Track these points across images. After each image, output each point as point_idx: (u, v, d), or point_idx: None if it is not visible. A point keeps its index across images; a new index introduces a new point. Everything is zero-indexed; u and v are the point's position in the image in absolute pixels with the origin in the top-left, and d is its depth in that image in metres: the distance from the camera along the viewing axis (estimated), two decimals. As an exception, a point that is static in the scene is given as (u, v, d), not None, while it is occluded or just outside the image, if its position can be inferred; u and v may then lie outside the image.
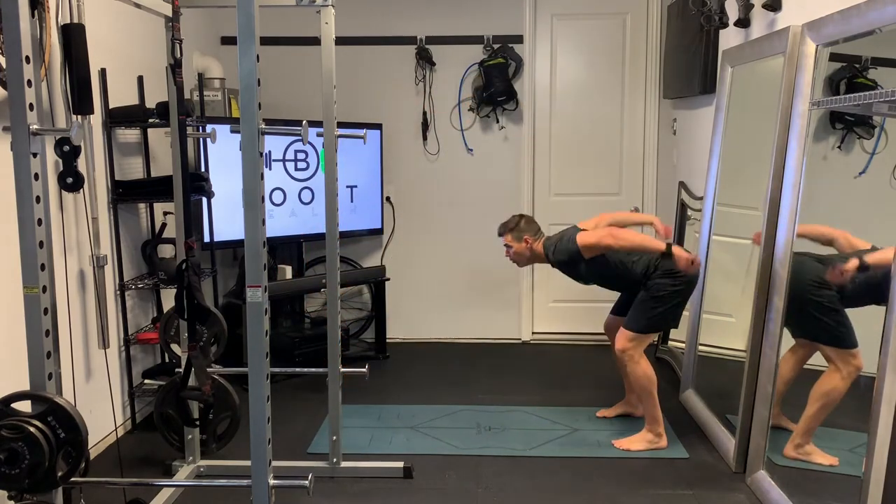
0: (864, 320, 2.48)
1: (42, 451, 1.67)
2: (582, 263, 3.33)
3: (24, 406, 1.72)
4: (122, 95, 3.47)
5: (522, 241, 3.45)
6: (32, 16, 1.65)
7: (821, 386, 2.68)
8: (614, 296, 5.10)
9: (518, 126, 4.94)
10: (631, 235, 3.25)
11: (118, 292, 3.43)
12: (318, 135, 2.89)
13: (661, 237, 3.44)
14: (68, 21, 2.91)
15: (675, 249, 3.16)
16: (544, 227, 5.02)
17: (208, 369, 2.45)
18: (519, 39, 4.85)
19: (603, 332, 5.11)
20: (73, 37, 2.88)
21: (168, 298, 3.70)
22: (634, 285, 3.32)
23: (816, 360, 2.86)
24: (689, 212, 4.28)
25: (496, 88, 4.76)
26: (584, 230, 3.35)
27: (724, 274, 3.64)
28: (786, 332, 2.84)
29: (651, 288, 3.26)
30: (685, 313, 3.85)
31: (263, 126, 1.85)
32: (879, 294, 2.17)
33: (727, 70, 3.60)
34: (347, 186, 4.63)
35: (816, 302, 2.77)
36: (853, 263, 2.52)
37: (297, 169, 4.44)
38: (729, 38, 3.67)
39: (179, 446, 2.86)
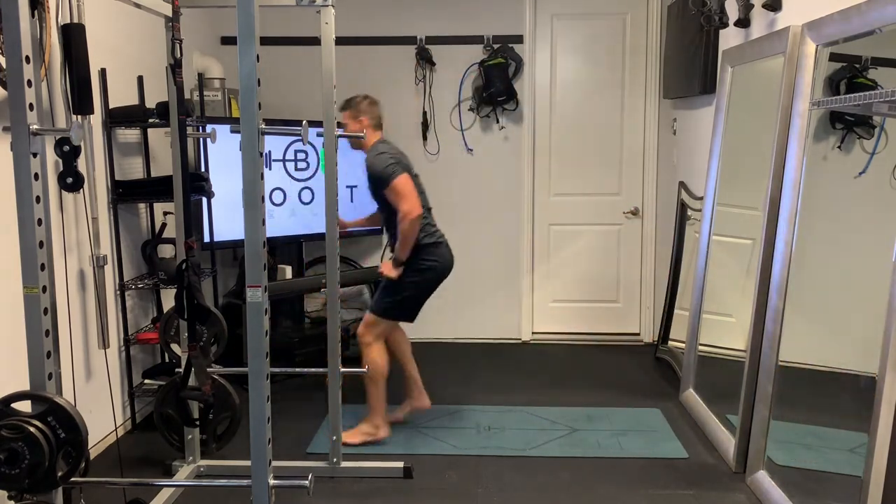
0: (864, 320, 2.48)
1: (42, 451, 1.67)
2: (380, 191, 3.30)
3: (25, 406, 1.72)
4: (122, 95, 3.47)
5: (358, 120, 3.35)
6: (32, 16, 1.65)
7: None
8: (614, 295, 5.13)
9: (518, 126, 4.94)
10: (414, 232, 3.25)
11: (118, 292, 3.43)
12: (318, 135, 2.90)
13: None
14: (68, 21, 2.91)
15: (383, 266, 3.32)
16: (544, 227, 5.10)
17: (208, 369, 2.45)
18: (519, 39, 4.85)
19: (603, 331, 5.15)
20: (73, 37, 2.88)
21: (168, 298, 3.70)
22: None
23: (824, 359, 2.86)
24: (689, 212, 4.28)
25: (496, 88, 4.76)
26: (406, 183, 3.26)
27: (724, 274, 3.64)
28: (789, 331, 2.83)
29: (410, 264, 3.29)
30: (685, 313, 3.86)
31: (263, 126, 1.85)
32: None
33: (727, 70, 3.60)
34: (347, 186, 4.63)
35: None
36: None
37: (297, 169, 4.44)
38: (729, 38, 3.67)
39: (179, 446, 2.86)
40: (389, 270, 3.30)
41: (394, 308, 3.37)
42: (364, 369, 3.28)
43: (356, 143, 3.43)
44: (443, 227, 5.01)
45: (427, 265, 3.34)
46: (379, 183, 3.29)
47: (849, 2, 2.48)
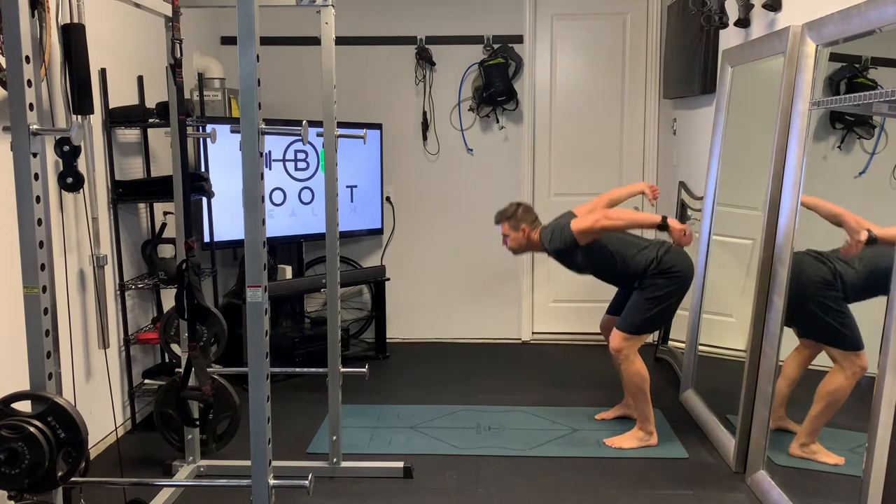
0: (864, 320, 2.49)
1: (42, 451, 1.67)
2: (578, 252, 3.30)
3: (25, 406, 1.72)
4: (122, 95, 3.47)
5: (520, 230, 3.42)
6: (32, 16, 1.65)
7: (825, 385, 2.68)
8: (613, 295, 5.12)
9: (518, 126, 4.94)
10: (625, 214, 3.26)
11: (118, 292, 3.43)
12: (318, 135, 2.89)
13: (651, 203, 3.59)
14: (68, 21, 2.91)
15: (671, 221, 3.14)
16: (544, 227, 5.09)
17: (208, 369, 2.45)
18: (519, 39, 4.85)
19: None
20: (73, 37, 2.88)
21: (168, 298, 3.70)
22: (630, 280, 3.31)
23: (821, 360, 2.86)
24: (689, 212, 4.28)
25: (496, 88, 4.76)
26: (577, 216, 3.32)
27: (724, 274, 3.64)
28: (790, 331, 2.83)
29: (647, 288, 3.26)
30: (684, 313, 3.86)
31: (263, 126, 1.85)
32: (882, 285, 2.16)
33: (727, 70, 3.60)
34: (347, 186, 4.63)
35: (821, 301, 2.77)
36: (863, 235, 2.50)
37: (297, 169, 4.44)
38: (729, 38, 3.67)
39: (179, 446, 2.87)
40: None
41: (648, 324, 3.33)
42: (364, 369, 3.27)
43: (527, 249, 3.48)
44: (442, 227, 5.05)
45: (669, 279, 3.25)
46: (574, 247, 3.28)
47: (849, 2, 2.48)
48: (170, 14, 2.54)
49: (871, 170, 2.61)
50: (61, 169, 1.77)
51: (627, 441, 3.37)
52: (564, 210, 5.02)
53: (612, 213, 3.24)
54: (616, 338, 3.34)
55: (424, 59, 4.82)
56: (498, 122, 4.91)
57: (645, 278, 3.26)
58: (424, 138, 4.95)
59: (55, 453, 1.69)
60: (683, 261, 3.30)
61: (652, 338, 4.99)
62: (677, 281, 3.25)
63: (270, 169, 4.31)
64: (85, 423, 1.73)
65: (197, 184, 3.52)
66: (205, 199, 3.82)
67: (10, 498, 1.74)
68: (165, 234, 3.65)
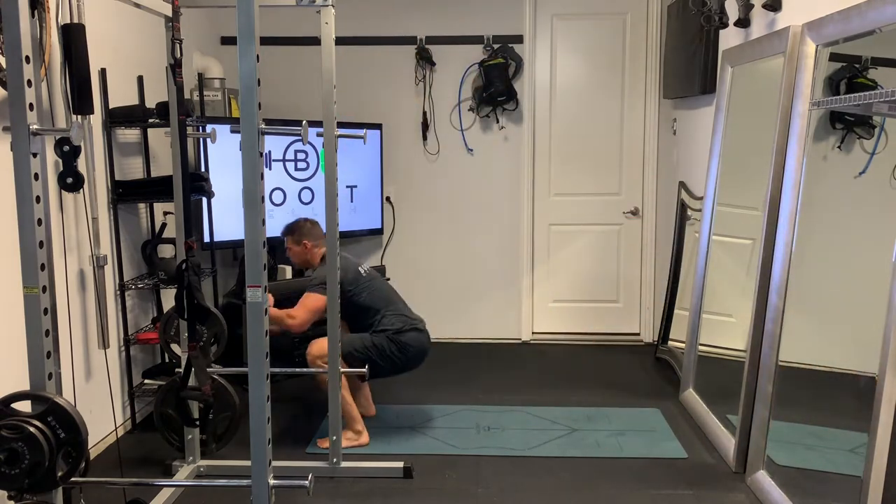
0: (864, 320, 2.48)
1: (42, 451, 1.67)
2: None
3: (25, 406, 1.72)
4: (122, 95, 3.47)
5: (301, 244, 3.57)
6: (32, 16, 1.65)
7: None
8: (614, 295, 5.13)
9: (518, 126, 4.94)
10: (277, 323, 3.33)
11: (118, 292, 3.43)
12: (318, 135, 2.89)
13: None
14: (68, 21, 2.91)
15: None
16: (544, 227, 5.10)
17: (208, 369, 2.45)
18: (519, 39, 4.85)
19: (603, 331, 5.15)
20: (73, 37, 2.88)
21: (168, 298, 3.70)
22: (367, 328, 3.45)
23: (820, 360, 2.86)
24: (689, 212, 4.28)
25: (496, 88, 4.76)
26: (318, 296, 3.33)
27: (724, 274, 3.64)
28: (790, 331, 2.83)
29: (378, 334, 3.40)
30: (684, 313, 3.86)
31: (263, 126, 1.85)
32: None
33: (727, 70, 3.60)
34: (347, 186, 4.63)
35: None
36: None
37: (297, 169, 4.44)
38: (729, 38, 3.67)
39: (179, 446, 2.86)
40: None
41: (359, 357, 3.37)
42: (364, 369, 3.28)
43: (307, 263, 3.63)
44: (442, 227, 5.05)
45: (403, 349, 3.41)
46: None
47: (849, 2, 2.48)
48: (170, 14, 2.54)
49: (871, 170, 2.61)
50: (61, 169, 1.77)
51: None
52: (565, 209, 5.05)
53: (287, 326, 3.36)
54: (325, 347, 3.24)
55: (424, 59, 4.82)
56: (498, 122, 4.91)
57: (377, 332, 3.41)
58: (424, 138, 4.95)
59: (55, 453, 1.69)
60: (419, 346, 3.46)
61: (652, 338, 5.00)
62: (403, 353, 3.40)
63: (270, 169, 4.31)
64: (85, 423, 1.73)
65: (197, 184, 3.51)
66: (205, 199, 3.82)
67: (10, 498, 1.74)
68: (165, 234, 3.65)
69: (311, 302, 3.36)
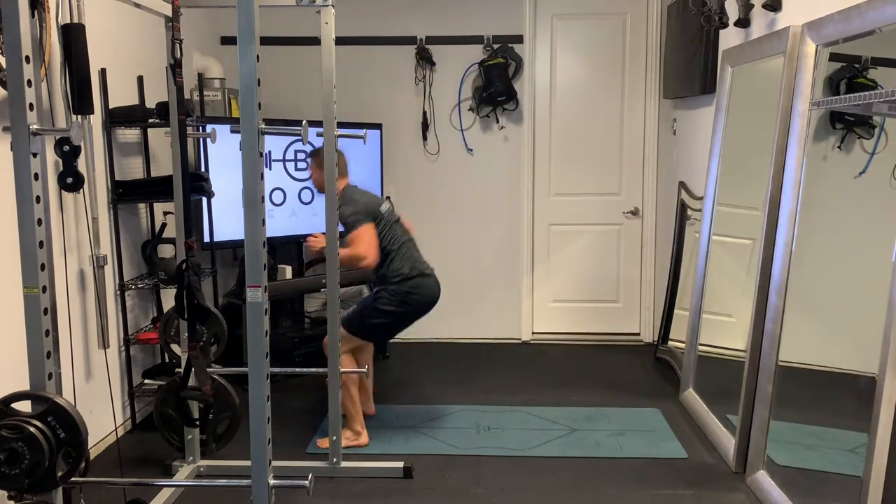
0: (864, 320, 2.48)
1: (42, 451, 1.67)
2: (344, 231, 3.32)
3: (25, 406, 1.72)
4: (122, 95, 3.47)
5: (323, 169, 3.36)
6: (32, 16, 1.65)
7: None
8: (614, 295, 5.13)
9: (518, 126, 4.93)
10: (350, 264, 3.26)
11: (118, 292, 3.43)
12: (318, 135, 2.90)
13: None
14: (68, 21, 2.91)
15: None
16: (544, 227, 5.10)
17: (208, 369, 2.45)
18: (519, 39, 4.85)
19: (603, 331, 5.15)
20: (73, 37, 2.88)
21: (168, 298, 3.70)
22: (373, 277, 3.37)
23: (820, 360, 2.86)
24: (689, 212, 4.28)
25: (496, 88, 4.76)
26: (365, 226, 3.26)
27: (724, 274, 3.64)
28: (789, 330, 2.83)
29: (379, 296, 3.35)
30: (684, 313, 3.86)
31: (263, 126, 1.85)
32: None
33: (727, 70, 3.60)
34: (347, 186, 4.62)
35: None
36: None
37: (297, 169, 4.44)
38: (729, 38, 3.67)
39: (179, 446, 2.86)
40: (318, 243, 3.30)
41: (364, 330, 3.40)
42: (364, 369, 3.27)
43: (319, 186, 3.48)
44: (442, 227, 5.05)
45: (407, 299, 3.36)
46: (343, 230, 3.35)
47: (849, 2, 2.48)
48: (170, 14, 2.54)
49: (871, 170, 2.61)
50: (61, 169, 1.77)
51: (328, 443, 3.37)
52: (565, 209, 5.06)
53: (359, 264, 3.28)
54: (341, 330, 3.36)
55: (424, 59, 4.82)
56: (498, 122, 4.91)
57: (383, 284, 3.36)
58: (424, 138, 4.95)
59: (55, 453, 1.69)
60: (427, 293, 3.41)
61: (652, 338, 5.00)
62: (407, 306, 3.36)
63: (270, 169, 4.31)
64: (85, 423, 1.73)
65: (197, 184, 3.52)
66: (205, 199, 3.81)
67: (10, 498, 1.74)
68: (165, 234, 3.65)
69: (366, 234, 3.25)
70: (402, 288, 3.34)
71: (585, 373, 4.48)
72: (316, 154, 3.45)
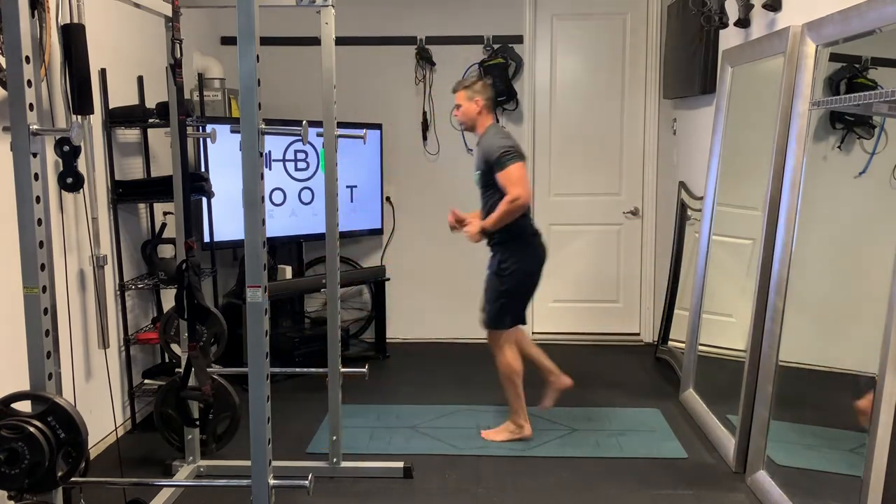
0: (864, 320, 2.49)
1: (42, 451, 1.67)
2: (491, 174, 3.26)
3: (25, 406, 1.72)
4: (122, 95, 3.47)
5: (474, 101, 3.33)
6: (32, 16, 1.65)
7: None
8: (614, 295, 5.13)
9: (518, 126, 4.93)
10: (512, 216, 3.21)
11: (118, 292, 3.43)
12: (318, 135, 2.89)
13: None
14: (68, 21, 2.91)
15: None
16: (544, 227, 5.07)
17: (208, 369, 2.45)
18: (519, 39, 4.85)
19: (603, 331, 5.15)
20: (73, 37, 2.88)
21: (168, 298, 3.70)
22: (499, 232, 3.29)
23: (820, 360, 2.86)
24: (689, 212, 4.28)
25: (496, 88, 4.75)
26: (517, 175, 3.20)
27: (724, 274, 3.64)
28: (789, 330, 2.83)
29: (504, 264, 3.31)
30: (684, 313, 3.86)
31: (263, 126, 1.85)
32: None
33: (727, 70, 3.60)
34: (347, 186, 4.63)
35: None
36: None
37: (297, 169, 4.44)
38: (729, 38, 3.67)
39: (179, 446, 2.87)
40: (475, 229, 3.28)
41: (502, 314, 3.38)
42: (364, 369, 3.27)
43: (469, 124, 3.38)
44: (443, 227, 5.01)
45: (538, 252, 3.35)
46: (491, 169, 3.25)
47: (849, 2, 2.48)
48: (170, 14, 2.54)
49: (871, 170, 2.61)
50: (61, 169, 1.77)
51: (500, 434, 3.43)
52: (565, 209, 5.05)
53: (521, 209, 3.23)
54: (488, 332, 3.47)
55: (424, 59, 4.82)
56: (498, 122, 4.90)
57: (505, 244, 3.30)
58: (424, 138, 4.95)
59: (55, 453, 1.69)
60: (544, 252, 3.40)
61: (652, 338, 5.00)
62: (538, 262, 3.33)
63: (270, 169, 4.31)
64: (85, 423, 1.73)
65: (197, 184, 3.51)
66: (205, 199, 3.82)
67: (10, 498, 1.74)
68: (165, 234, 3.65)
69: (516, 172, 3.17)
70: (536, 240, 3.34)
71: (585, 373, 4.47)
72: (467, 86, 3.33)
